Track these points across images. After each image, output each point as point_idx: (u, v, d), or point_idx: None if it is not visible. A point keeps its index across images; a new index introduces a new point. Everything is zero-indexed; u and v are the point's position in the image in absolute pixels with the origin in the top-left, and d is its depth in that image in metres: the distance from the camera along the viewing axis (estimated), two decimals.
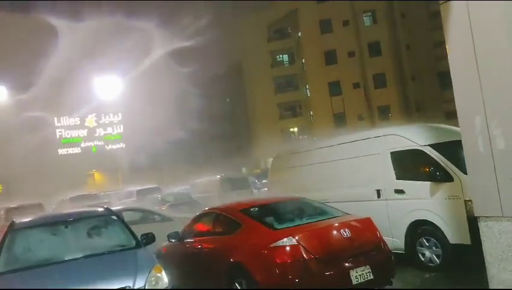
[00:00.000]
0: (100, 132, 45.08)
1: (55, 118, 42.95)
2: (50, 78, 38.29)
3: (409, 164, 7.70)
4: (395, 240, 7.52)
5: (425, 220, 7.15)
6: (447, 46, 5.06)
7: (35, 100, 38.66)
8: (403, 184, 7.56)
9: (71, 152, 43.45)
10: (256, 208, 6.60)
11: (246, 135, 53.05)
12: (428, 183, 7.10)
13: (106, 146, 45.17)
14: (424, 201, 7.16)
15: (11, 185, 34.91)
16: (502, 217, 4.56)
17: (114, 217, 6.43)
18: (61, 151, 43.14)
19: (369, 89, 45.83)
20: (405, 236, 7.45)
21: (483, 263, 4.85)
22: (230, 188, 20.62)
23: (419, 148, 7.40)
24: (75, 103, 41.84)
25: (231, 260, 5.96)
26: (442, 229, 6.90)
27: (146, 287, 4.98)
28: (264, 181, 23.29)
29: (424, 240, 7.23)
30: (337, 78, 45.75)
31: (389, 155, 7.84)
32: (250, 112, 53.66)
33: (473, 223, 5.55)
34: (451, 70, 5.00)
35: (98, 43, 38.41)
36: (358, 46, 46.12)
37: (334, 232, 5.74)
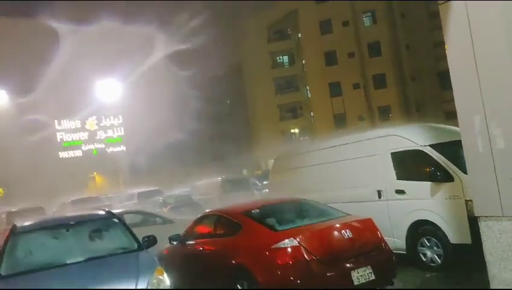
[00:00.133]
0: (101, 134, 45.13)
1: (56, 121, 43.03)
2: (50, 81, 38.34)
3: (409, 164, 7.71)
4: (396, 240, 7.53)
5: (426, 220, 7.15)
6: (446, 47, 5.07)
7: (36, 104, 38.71)
8: (403, 184, 7.57)
9: (72, 155, 43.52)
10: (258, 210, 6.61)
11: (247, 136, 52.99)
12: (428, 183, 7.11)
13: (107, 149, 45.22)
14: (424, 201, 7.17)
15: (12, 189, 34.90)
16: (502, 216, 4.56)
17: (115, 220, 6.44)
18: (62, 154, 43.22)
19: (369, 90, 45.82)
20: (406, 236, 7.46)
21: (484, 262, 4.85)
22: (231, 189, 20.53)
23: (420, 148, 7.41)
24: (76, 105, 41.92)
25: (233, 261, 5.97)
26: (443, 229, 6.91)
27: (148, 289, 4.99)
28: (265, 182, 23.25)
29: (425, 240, 7.24)
30: (337, 79, 45.72)
31: (390, 156, 7.84)
32: (251, 114, 53.64)
33: (473, 222, 5.55)
34: (450, 70, 5.01)
35: (98, 47, 38.45)
36: (358, 46, 46.12)
37: (335, 233, 5.76)
